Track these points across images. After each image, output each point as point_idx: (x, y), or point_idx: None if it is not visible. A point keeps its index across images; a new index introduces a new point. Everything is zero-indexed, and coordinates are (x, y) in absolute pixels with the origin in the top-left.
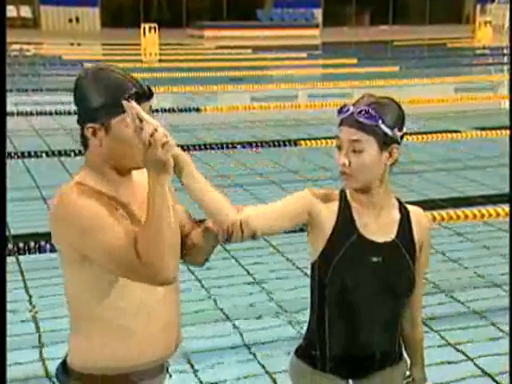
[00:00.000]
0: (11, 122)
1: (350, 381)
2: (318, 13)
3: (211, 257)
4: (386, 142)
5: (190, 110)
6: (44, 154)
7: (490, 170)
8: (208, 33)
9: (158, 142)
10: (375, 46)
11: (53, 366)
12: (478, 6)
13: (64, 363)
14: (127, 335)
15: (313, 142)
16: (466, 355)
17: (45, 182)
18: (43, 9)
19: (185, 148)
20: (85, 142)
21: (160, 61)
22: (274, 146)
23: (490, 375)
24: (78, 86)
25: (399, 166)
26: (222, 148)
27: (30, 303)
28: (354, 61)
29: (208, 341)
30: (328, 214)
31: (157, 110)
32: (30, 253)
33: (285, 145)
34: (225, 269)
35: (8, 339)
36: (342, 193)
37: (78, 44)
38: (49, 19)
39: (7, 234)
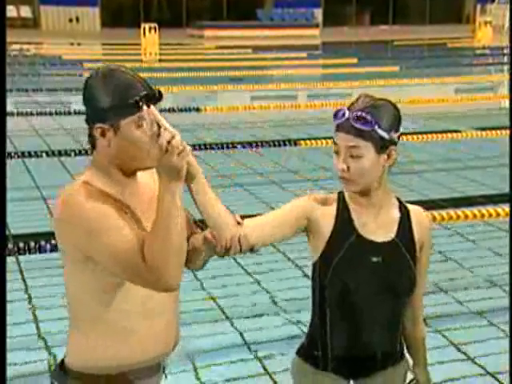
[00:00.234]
0: (11, 122)
1: (352, 381)
2: (318, 13)
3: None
4: (383, 146)
5: (190, 109)
6: (44, 154)
7: (490, 169)
8: (208, 33)
9: (174, 149)
10: (375, 45)
11: (53, 367)
12: (478, 6)
13: (61, 364)
14: (130, 337)
15: (313, 141)
16: (466, 355)
17: (45, 182)
18: (43, 9)
19: None
20: (93, 141)
21: (160, 61)
22: (274, 145)
23: (490, 374)
24: (88, 86)
25: (399, 166)
26: (222, 148)
27: (30, 303)
28: (354, 61)
29: (208, 340)
30: (326, 218)
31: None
32: (29, 253)
33: (285, 145)
34: (225, 268)
35: (8, 339)
36: (340, 194)
37: (78, 44)
38: (49, 19)
39: (7, 233)
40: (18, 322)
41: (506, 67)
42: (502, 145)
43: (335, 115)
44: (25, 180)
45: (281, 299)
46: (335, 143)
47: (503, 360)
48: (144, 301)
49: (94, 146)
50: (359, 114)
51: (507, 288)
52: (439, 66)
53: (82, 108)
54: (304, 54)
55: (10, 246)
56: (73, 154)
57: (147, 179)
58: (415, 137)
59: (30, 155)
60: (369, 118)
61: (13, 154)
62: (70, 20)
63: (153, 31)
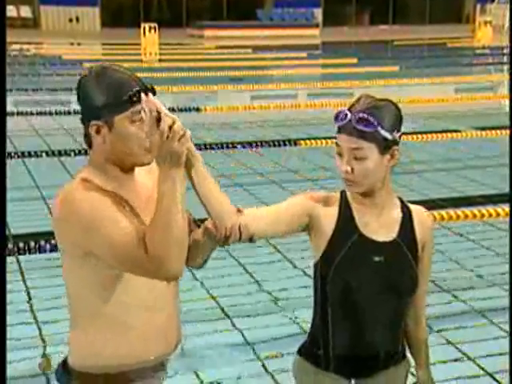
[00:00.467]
0: (11, 122)
1: (353, 381)
2: (318, 12)
3: (211, 256)
4: (386, 146)
5: (190, 109)
6: (44, 154)
7: (490, 169)
8: (208, 32)
9: (176, 134)
10: (375, 45)
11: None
12: (478, 6)
13: (63, 364)
14: (130, 331)
15: (313, 141)
16: (466, 354)
17: (45, 182)
18: (43, 9)
19: None
20: (89, 140)
21: (160, 60)
22: (274, 145)
23: (490, 374)
24: (82, 85)
25: (399, 166)
26: (222, 148)
27: (30, 303)
28: (354, 60)
29: (208, 340)
30: (329, 216)
31: None
32: (29, 253)
33: (285, 144)
34: (224, 268)
35: (8, 339)
36: (343, 193)
37: (78, 44)
38: (49, 19)
39: (7, 233)
40: (17, 322)
41: (505, 67)
42: (502, 144)
43: (336, 117)
44: (25, 180)
45: (281, 299)
46: (337, 145)
47: (503, 359)
48: (144, 296)
49: (90, 145)
50: (361, 115)
51: (507, 288)
52: (439, 65)
53: None
54: (304, 54)
55: (10, 246)
56: (73, 153)
57: (145, 179)
58: (415, 136)
59: (29, 155)
60: (371, 119)
61: (13, 154)
62: (70, 20)
63: (153, 31)
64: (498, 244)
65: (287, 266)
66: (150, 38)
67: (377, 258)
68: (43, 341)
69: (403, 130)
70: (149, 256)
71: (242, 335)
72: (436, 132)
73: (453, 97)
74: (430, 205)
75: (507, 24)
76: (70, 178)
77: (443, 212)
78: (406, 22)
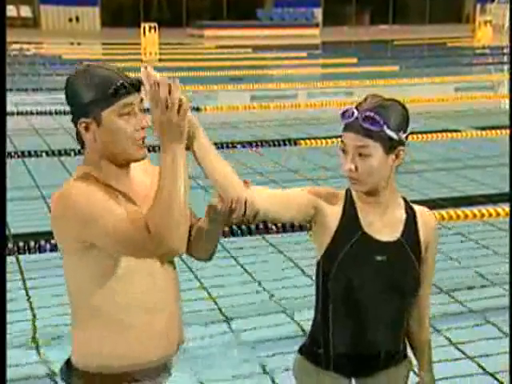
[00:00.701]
0: (11, 122)
1: (353, 380)
2: (318, 12)
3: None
4: (391, 146)
5: (190, 109)
6: (44, 154)
7: (490, 169)
8: (208, 32)
9: (175, 101)
10: (375, 45)
11: (53, 366)
12: (478, 6)
13: (67, 363)
14: (128, 331)
15: (313, 141)
16: (466, 354)
17: (45, 182)
18: (43, 8)
19: None
20: (80, 139)
21: (160, 60)
22: (274, 145)
23: (490, 374)
24: (69, 85)
25: (399, 166)
26: (222, 148)
27: (30, 303)
28: (354, 60)
29: (207, 340)
30: (333, 212)
31: None
32: (29, 252)
33: (285, 144)
34: (224, 268)
35: (8, 339)
36: (348, 191)
37: (78, 43)
38: (49, 19)
39: (7, 233)
40: (17, 322)
41: (505, 67)
42: (502, 144)
43: (343, 115)
44: (25, 180)
45: (281, 298)
46: (343, 142)
47: (503, 359)
48: (144, 296)
49: (82, 145)
50: (368, 113)
51: (507, 287)
52: (439, 65)
53: None
54: (304, 54)
55: (10, 245)
56: (73, 153)
57: (142, 177)
58: (415, 136)
59: (29, 155)
60: (377, 118)
61: (13, 154)
62: (70, 20)
63: (153, 31)
64: (498, 244)
65: (287, 266)
66: (150, 38)
67: (379, 258)
68: (43, 340)
69: (408, 131)
70: (151, 235)
71: (242, 335)
72: (436, 132)
73: (453, 96)
74: (431, 204)
75: (507, 24)
76: (70, 178)
77: (443, 212)
78: (405, 22)
